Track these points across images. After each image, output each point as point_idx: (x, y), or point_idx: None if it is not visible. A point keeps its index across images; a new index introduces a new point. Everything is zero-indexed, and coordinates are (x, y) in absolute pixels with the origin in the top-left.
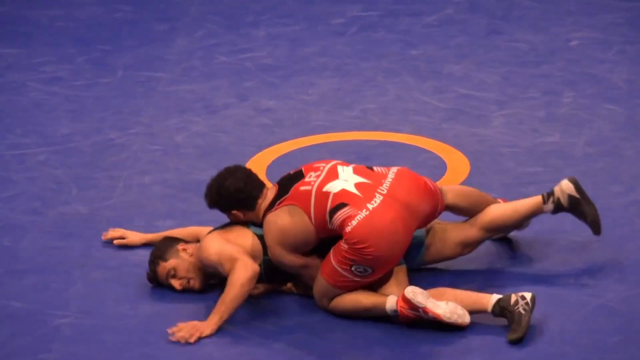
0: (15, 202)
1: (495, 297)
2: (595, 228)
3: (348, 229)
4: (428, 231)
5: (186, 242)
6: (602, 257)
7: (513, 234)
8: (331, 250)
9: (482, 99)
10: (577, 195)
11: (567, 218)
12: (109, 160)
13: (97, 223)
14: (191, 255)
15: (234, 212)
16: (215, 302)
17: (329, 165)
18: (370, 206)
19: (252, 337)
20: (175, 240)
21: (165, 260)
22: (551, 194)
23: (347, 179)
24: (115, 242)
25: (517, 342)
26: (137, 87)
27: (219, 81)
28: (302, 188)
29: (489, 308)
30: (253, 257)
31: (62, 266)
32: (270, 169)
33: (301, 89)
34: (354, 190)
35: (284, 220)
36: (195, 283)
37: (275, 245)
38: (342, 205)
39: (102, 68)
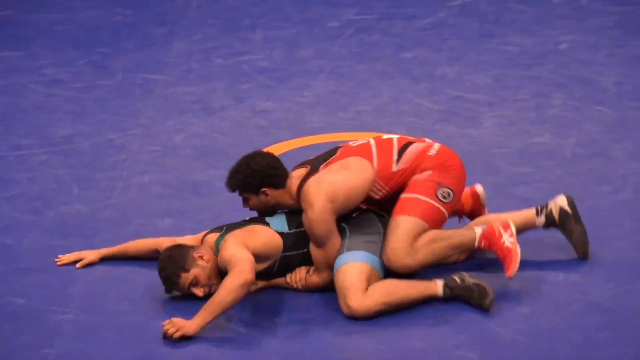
0: (16, 201)
1: (440, 282)
2: (580, 249)
3: (432, 152)
4: None
5: (194, 247)
6: (591, 256)
7: None
8: (407, 191)
9: (473, 101)
10: (569, 210)
11: None
12: (109, 160)
13: (97, 222)
14: (207, 261)
15: (264, 189)
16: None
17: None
18: (435, 143)
19: (249, 334)
20: (186, 248)
21: (187, 270)
22: (545, 206)
23: (398, 135)
24: (77, 265)
25: (491, 305)
26: (136, 89)
27: (216, 83)
28: (355, 144)
29: (440, 293)
30: (269, 254)
31: (64, 266)
32: None
33: (297, 91)
34: (411, 138)
35: (336, 175)
36: (217, 288)
37: (325, 202)
38: (410, 144)
39: (102, 70)
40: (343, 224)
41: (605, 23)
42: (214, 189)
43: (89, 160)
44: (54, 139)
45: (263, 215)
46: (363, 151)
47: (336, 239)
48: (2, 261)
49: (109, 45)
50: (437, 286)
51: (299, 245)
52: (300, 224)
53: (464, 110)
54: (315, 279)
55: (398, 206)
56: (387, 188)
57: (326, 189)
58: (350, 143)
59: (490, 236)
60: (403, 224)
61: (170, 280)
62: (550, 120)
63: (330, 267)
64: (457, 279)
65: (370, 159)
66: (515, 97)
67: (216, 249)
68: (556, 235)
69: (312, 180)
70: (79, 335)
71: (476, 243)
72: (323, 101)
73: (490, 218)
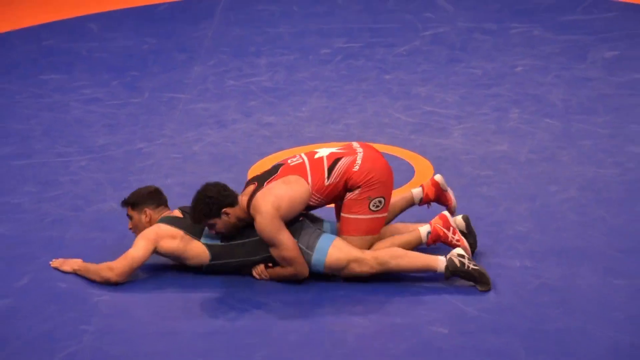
0: (61, 200)
1: (442, 261)
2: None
3: (356, 168)
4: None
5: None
6: (542, 244)
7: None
8: (342, 213)
9: (443, 115)
10: (465, 231)
11: (513, 211)
12: (138, 165)
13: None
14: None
15: (224, 210)
16: (222, 288)
17: (304, 152)
18: (360, 151)
19: (255, 312)
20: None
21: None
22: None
23: (328, 149)
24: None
25: (488, 290)
26: (161, 106)
27: (228, 101)
28: (293, 162)
29: (440, 269)
30: (195, 260)
31: (100, 254)
32: None
33: (295, 107)
34: (339, 151)
35: (279, 189)
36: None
37: (270, 208)
38: (338, 160)
39: (133, 90)
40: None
41: (554, 50)
42: None
43: (122, 166)
44: (92, 148)
45: (234, 232)
46: (299, 170)
47: (286, 239)
48: (48, 251)
49: (139, 69)
50: (439, 263)
51: (226, 256)
52: (231, 239)
53: (436, 123)
54: (279, 270)
55: (343, 226)
56: (322, 197)
57: (271, 200)
58: (289, 162)
59: (437, 238)
60: (350, 242)
61: (196, 213)
62: (508, 131)
63: (289, 262)
64: (457, 262)
65: (305, 177)
66: (479, 112)
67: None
68: (513, 227)
69: (259, 193)
70: (113, 314)
71: (424, 242)
72: (317, 115)
73: (399, 227)
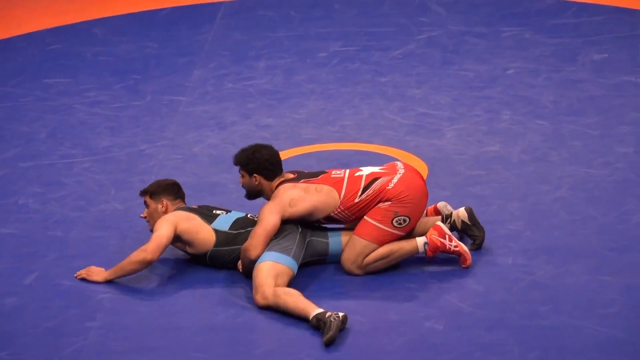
0: (65, 200)
1: (316, 311)
2: (477, 247)
3: (390, 186)
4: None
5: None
6: (534, 242)
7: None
8: (367, 215)
9: (437, 117)
10: (469, 222)
11: (505, 210)
12: (140, 166)
13: (130, 218)
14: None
15: (255, 175)
16: (223, 285)
17: (349, 169)
18: (400, 171)
19: (255, 308)
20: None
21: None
22: (449, 215)
23: (370, 168)
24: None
25: (330, 342)
26: (163, 108)
27: (227, 103)
28: (334, 175)
29: (310, 318)
30: (202, 244)
31: (103, 252)
32: None
33: (293, 109)
34: (380, 170)
35: (307, 192)
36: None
37: (285, 201)
38: (375, 180)
39: (135, 93)
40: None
41: (544, 52)
42: (226, 190)
43: (124, 167)
44: (95, 149)
45: (249, 197)
46: (336, 183)
47: (272, 222)
48: (53, 250)
49: (141, 72)
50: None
51: (229, 243)
52: (240, 227)
53: (430, 124)
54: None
55: (359, 225)
56: (348, 213)
57: (293, 196)
58: (332, 173)
59: (435, 249)
60: (357, 244)
61: (239, 155)
62: (500, 132)
63: (252, 236)
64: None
65: (340, 191)
66: (471, 114)
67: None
68: (505, 226)
69: (289, 184)
70: (116, 311)
71: (420, 252)
72: (314, 117)
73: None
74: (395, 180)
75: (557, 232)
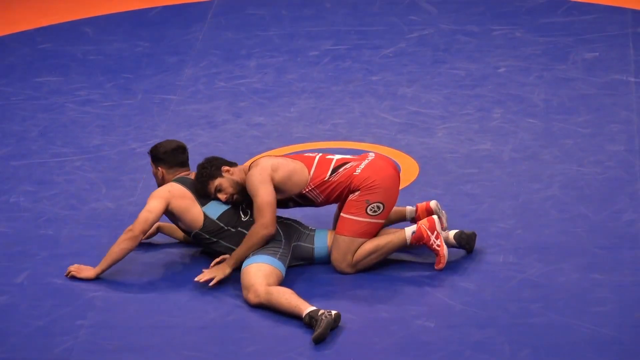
0: (56, 199)
1: (309, 308)
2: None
3: (357, 172)
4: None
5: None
6: (525, 241)
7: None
8: (341, 211)
9: (428, 115)
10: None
11: (496, 208)
12: (131, 165)
13: (121, 216)
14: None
15: (225, 168)
16: (218, 284)
17: (320, 153)
18: (369, 158)
19: (246, 307)
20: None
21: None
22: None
23: (342, 155)
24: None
25: (318, 340)
26: (154, 107)
27: (219, 102)
28: (307, 154)
29: (303, 315)
30: (190, 224)
31: (95, 251)
32: None
33: (284, 108)
34: (350, 157)
35: (282, 159)
36: (238, 198)
37: (267, 166)
38: (344, 164)
39: (126, 92)
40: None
41: (535, 51)
42: None
43: (115, 165)
44: (86, 148)
45: (242, 199)
46: (307, 161)
47: (267, 191)
48: (44, 248)
49: (132, 71)
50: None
51: (213, 232)
52: (227, 222)
53: (421, 123)
54: (239, 250)
55: (338, 224)
56: (318, 192)
57: (272, 162)
58: (304, 154)
59: (419, 238)
60: (342, 242)
61: (202, 180)
62: (491, 131)
63: (261, 212)
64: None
65: (310, 168)
66: (462, 112)
67: None
68: (496, 224)
69: (264, 156)
70: (107, 309)
71: (408, 242)
72: (306, 116)
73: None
74: (362, 165)
75: (548, 230)
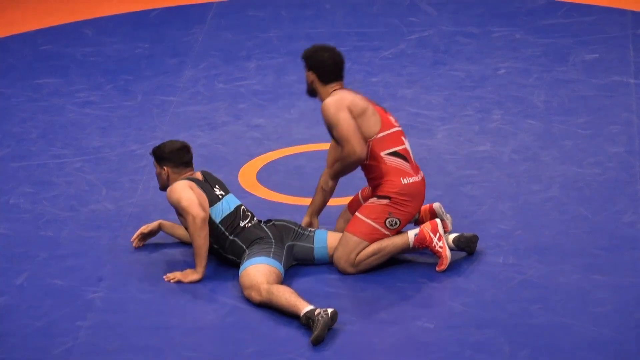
0: (56, 200)
1: (306, 308)
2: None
3: (405, 181)
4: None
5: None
6: (525, 242)
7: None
8: (362, 211)
9: (428, 117)
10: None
11: (496, 209)
12: (131, 167)
13: (121, 217)
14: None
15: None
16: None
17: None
18: (419, 177)
19: (245, 308)
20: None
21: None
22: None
23: (409, 147)
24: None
25: (317, 341)
26: (154, 108)
27: (218, 103)
28: (391, 117)
29: (300, 315)
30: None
31: (94, 252)
32: (259, 174)
33: (284, 109)
34: (412, 157)
35: (354, 94)
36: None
37: (344, 99)
38: (403, 157)
39: (126, 93)
40: (244, 246)
41: (535, 53)
42: None
43: (115, 167)
44: (86, 150)
45: (309, 93)
46: (386, 123)
47: (347, 118)
48: (44, 249)
49: (132, 72)
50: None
51: (212, 233)
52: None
53: (421, 124)
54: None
55: (352, 222)
56: (367, 157)
57: (350, 95)
58: (389, 117)
59: (422, 241)
60: (350, 241)
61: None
62: (491, 132)
63: (344, 139)
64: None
65: (384, 130)
66: (462, 113)
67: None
68: (496, 225)
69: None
70: (107, 310)
71: (410, 245)
72: (306, 117)
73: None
74: (411, 180)
75: (547, 231)
